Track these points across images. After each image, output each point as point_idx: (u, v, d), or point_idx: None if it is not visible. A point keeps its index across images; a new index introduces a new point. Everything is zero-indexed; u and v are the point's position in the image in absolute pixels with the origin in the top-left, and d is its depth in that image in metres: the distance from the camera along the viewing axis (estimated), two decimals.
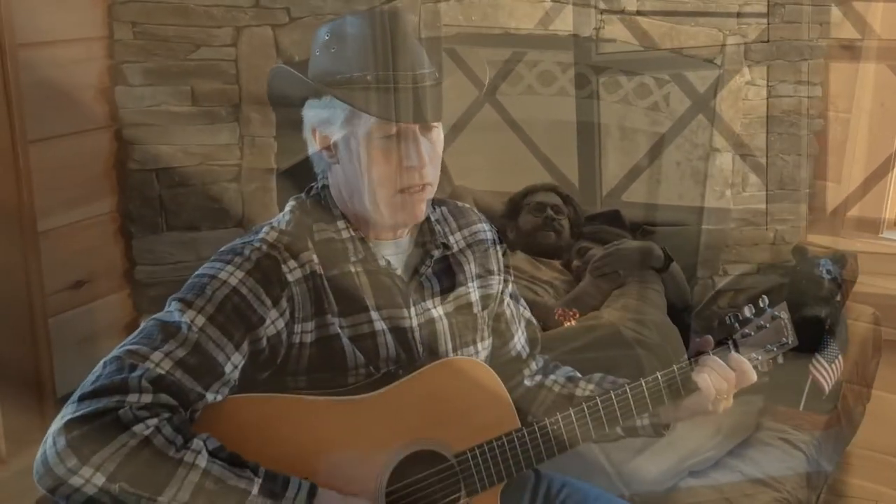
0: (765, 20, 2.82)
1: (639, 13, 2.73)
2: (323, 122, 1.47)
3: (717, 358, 1.57)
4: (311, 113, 1.49)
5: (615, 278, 2.82)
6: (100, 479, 1.20)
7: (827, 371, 2.77)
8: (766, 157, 2.94)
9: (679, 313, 2.90)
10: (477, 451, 1.48)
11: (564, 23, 2.69)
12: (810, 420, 2.82)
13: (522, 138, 3.44)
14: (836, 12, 2.85)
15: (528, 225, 3.09)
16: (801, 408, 2.80)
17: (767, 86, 2.88)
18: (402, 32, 1.42)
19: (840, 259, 2.82)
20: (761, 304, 1.65)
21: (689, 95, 3.04)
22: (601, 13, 2.70)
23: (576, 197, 3.25)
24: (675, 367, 1.58)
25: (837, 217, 2.97)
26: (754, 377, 1.59)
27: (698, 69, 2.92)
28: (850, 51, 2.85)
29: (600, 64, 3.12)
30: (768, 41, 2.84)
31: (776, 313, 1.65)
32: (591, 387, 1.67)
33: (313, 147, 1.51)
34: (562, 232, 3.08)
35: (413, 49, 1.43)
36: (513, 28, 2.65)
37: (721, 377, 1.55)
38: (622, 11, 2.71)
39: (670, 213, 3.25)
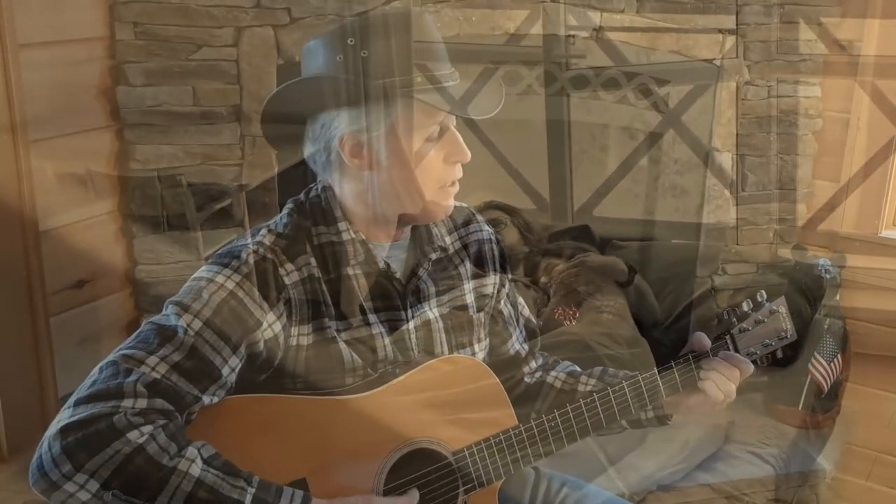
0: (764, 20, 2.82)
1: (638, 14, 2.73)
2: (358, 130, 1.43)
3: (720, 360, 1.57)
4: (342, 123, 1.43)
5: (576, 297, 2.84)
6: (94, 486, 1.20)
7: (826, 370, 2.77)
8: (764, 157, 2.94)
9: (648, 329, 2.92)
10: (474, 449, 1.48)
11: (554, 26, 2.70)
12: (809, 419, 2.83)
13: (493, 153, 3.43)
14: (835, 12, 2.85)
15: None
16: (800, 407, 2.81)
17: (766, 86, 2.88)
18: (431, 31, 1.44)
19: (839, 258, 2.82)
20: (759, 299, 1.64)
21: (689, 95, 3.04)
22: (601, 13, 2.70)
23: (546, 211, 3.30)
24: (673, 363, 1.58)
25: (835, 217, 2.97)
26: (752, 368, 1.59)
27: (697, 69, 2.92)
28: (849, 51, 2.86)
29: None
30: (767, 41, 2.84)
31: (774, 307, 1.64)
32: (592, 381, 1.67)
33: (331, 157, 1.47)
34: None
35: (442, 47, 1.45)
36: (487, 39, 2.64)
37: (727, 380, 1.56)
38: (622, 11, 2.72)
39: (642, 228, 3.28)
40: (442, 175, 1.47)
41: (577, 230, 3.30)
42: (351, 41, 1.40)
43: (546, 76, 2.71)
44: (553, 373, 1.72)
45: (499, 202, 3.26)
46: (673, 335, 2.96)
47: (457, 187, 1.51)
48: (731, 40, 2.81)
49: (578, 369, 1.74)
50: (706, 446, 2.70)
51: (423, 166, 1.44)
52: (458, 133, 1.47)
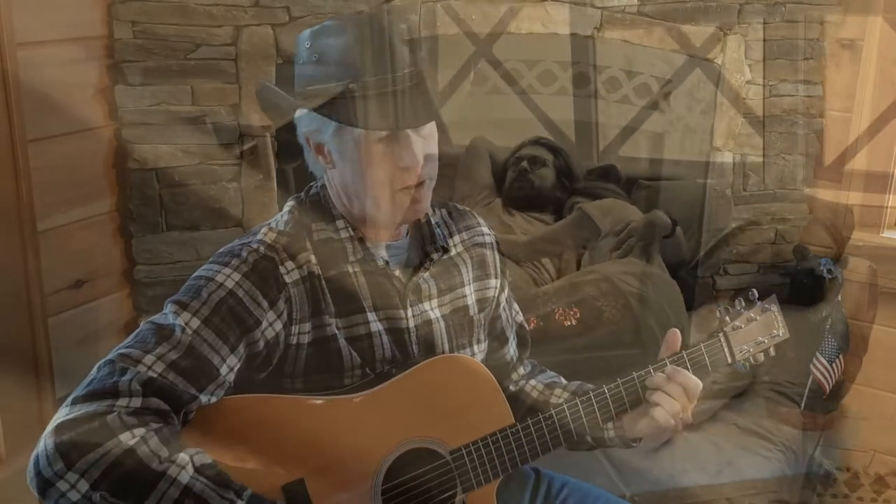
0: (765, 19, 2.82)
1: (639, 13, 2.72)
2: (314, 130, 1.47)
3: (663, 378, 1.51)
4: (303, 122, 1.48)
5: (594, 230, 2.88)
6: (84, 486, 1.20)
7: (828, 370, 2.76)
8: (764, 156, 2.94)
9: (677, 269, 2.92)
10: (472, 448, 1.48)
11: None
12: (810, 420, 2.82)
13: (519, 93, 3.42)
14: (836, 11, 2.84)
15: (508, 179, 3.19)
16: (801, 408, 2.80)
17: (769, 85, 2.88)
18: (381, 36, 1.42)
19: (841, 259, 2.82)
20: (751, 297, 1.63)
21: (690, 94, 3.03)
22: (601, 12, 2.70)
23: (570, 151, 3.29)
24: (634, 374, 1.54)
25: (838, 215, 2.96)
26: (699, 384, 1.52)
27: (699, 68, 2.92)
28: (851, 50, 2.85)
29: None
30: (769, 40, 2.84)
31: (767, 305, 1.64)
32: (565, 395, 1.66)
33: (308, 154, 1.51)
34: (535, 183, 3.13)
35: (393, 51, 1.42)
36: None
37: (673, 400, 1.50)
38: (622, 11, 2.71)
39: (668, 168, 3.23)
40: (392, 177, 1.43)
41: (603, 170, 3.30)
42: (307, 45, 1.44)
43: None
44: (533, 381, 1.73)
45: (546, 139, 3.27)
46: (700, 274, 2.97)
47: (427, 187, 1.47)
48: (732, 39, 2.81)
49: (560, 380, 1.73)
50: (733, 384, 2.72)
51: (373, 168, 1.42)
52: (410, 136, 1.43)
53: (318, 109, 1.41)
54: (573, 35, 2.72)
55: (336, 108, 1.40)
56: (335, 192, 1.51)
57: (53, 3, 2.21)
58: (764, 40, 2.83)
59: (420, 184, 1.46)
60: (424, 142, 1.45)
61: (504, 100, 3.37)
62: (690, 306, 2.85)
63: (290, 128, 1.52)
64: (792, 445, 2.62)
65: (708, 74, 2.89)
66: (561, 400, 1.64)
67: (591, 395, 1.54)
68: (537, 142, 3.24)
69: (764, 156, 2.94)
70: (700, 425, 2.65)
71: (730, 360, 1.60)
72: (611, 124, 3.42)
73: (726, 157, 2.92)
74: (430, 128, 1.47)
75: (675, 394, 1.50)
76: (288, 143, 1.55)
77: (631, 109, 3.30)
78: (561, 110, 3.43)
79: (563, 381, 1.73)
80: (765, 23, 2.82)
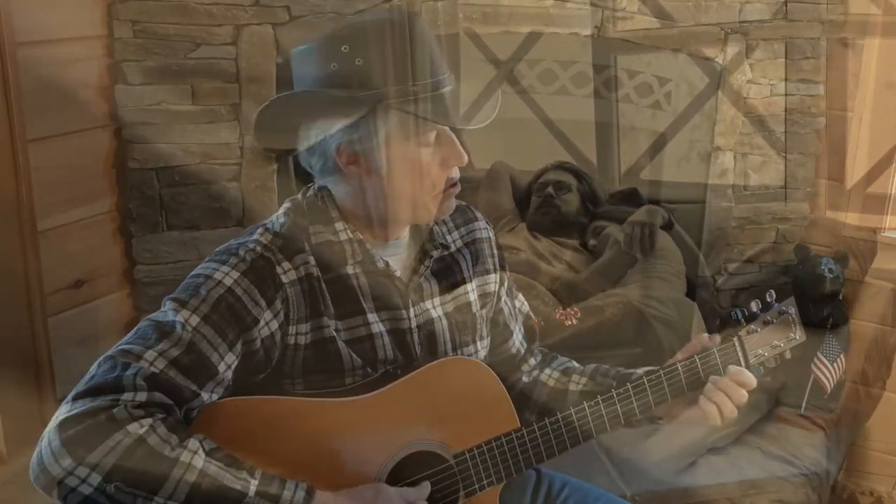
0: (766, 18, 2.81)
1: (640, 12, 2.72)
2: (354, 140, 1.42)
3: (728, 382, 1.52)
4: (338, 133, 1.42)
5: (646, 247, 2.89)
6: (95, 479, 1.20)
7: (829, 370, 2.76)
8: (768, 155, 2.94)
9: (694, 287, 2.94)
10: (476, 452, 1.48)
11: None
12: (811, 421, 2.82)
13: (541, 116, 3.45)
14: (837, 10, 2.84)
15: (533, 204, 3.19)
16: (802, 408, 2.79)
17: (769, 84, 2.87)
18: (426, 38, 1.42)
19: (842, 258, 2.81)
20: (768, 299, 1.60)
21: (691, 94, 3.03)
22: (602, 12, 2.69)
23: (594, 174, 3.30)
24: (679, 365, 1.54)
25: (838, 216, 2.96)
26: (755, 381, 1.54)
27: (700, 67, 2.91)
28: (852, 49, 2.84)
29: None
30: (770, 39, 2.83)
31: (784, 308, 1.60)
32: (584, 380, 1.66)
33: (329, 165, 1.47)
34: (562, 208, 3.13)
35: (439, 53, 1.44)
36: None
37: (731, 401, 1.51)
38: (623, 10, 2.70)
39: (690, 191, 3.22)
40: (437, 179, 1.47)
41: (625, 193, 3.31)
42: (345, 48, 1.39)
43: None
44: (548, 370, 1.72)
45: (570, 164, 3.28)
46: (721, 297, 2.98)
47: (457, 188, 1.51)
48: (732, 38, 2.80)
49: (574, 365, 1.72)
50: (758, 408, 2.71)
51: (419, 172, 1.44)
52: (453, 136, 1.46)
53: (409, 111, 1.39)
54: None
55: (407, 108, 1.39)
56: (345, 197, 1.49)
57: (53, 2, 2.20)
58: (764, 39, 2.83)
59: (454, 184, 1.49)
60: None
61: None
62: (711, 329, 2.86)
63: (287, 136, 1.49)
64: (816, 469, 2.60)
65: (709, 74, 2.89)
66: (580, 387, 1.64)
67: (600, 400, 1.52)
68: (560, 166, 3.25)
69: (764, 155, 2.94)
70: (724, 448, 2.64)
71: (743, 364, 1.56)
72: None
73: (727, 157, 2.92)
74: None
75: (737, 396, 1.51)
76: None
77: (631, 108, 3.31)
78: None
79: (577, 365, 1.72)
80: (766, 21, 2.81)
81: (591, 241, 3.10)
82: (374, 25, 1.40)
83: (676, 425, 1.62)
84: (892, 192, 2.86)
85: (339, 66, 1.39)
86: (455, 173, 1.49)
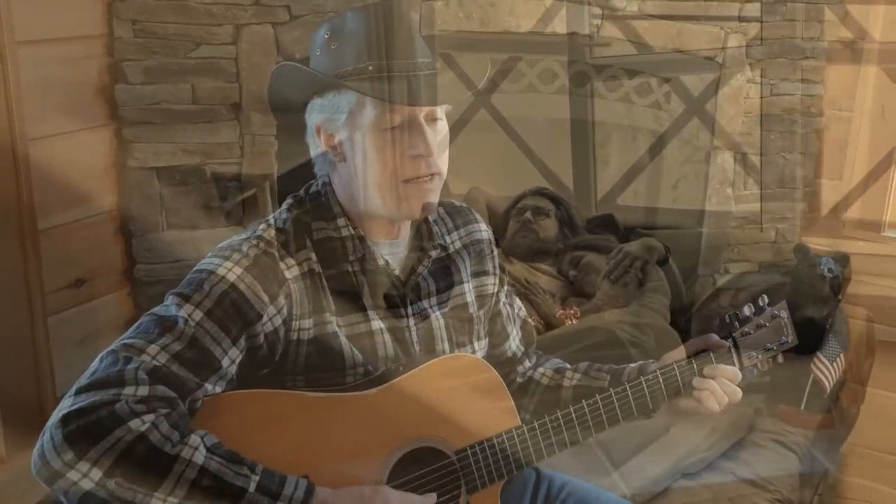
0: (766, 18, 2.82)
1: (640, 12, 2.72)
2: (327, 120, 1.47)
3: (724, 367, 1.57)
4: (315, 112, 1.49)
5: (631, 281, 2.84)
6: (96, 474, 1.20)
7: (828, 370, 2.76)
8: (761, 155, 2.94)
9: (676, 316, 2.92)
10: (477, 449, 1.48)
11: (562, 23, 2.69)
12: (810, 419, 2.81)
13: (518, 142, 3.48)
14: (836, 11, 2.85)
15: (511, 229, 3.16)
16: (802, 407, 2.79)
17: (769, 84, 2.88)
18: (399, 23, 1.43)
19: (841, 258, 2.81)
20: (761, 303, 1.64)
21: (690, 94, 3.04)
22: (602, 12, 2.69)
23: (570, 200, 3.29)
24: (675, 365, 1.58)
25: (838, 216, 2.96)
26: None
27: (699, 68, 2.92)
28: (851, 49, 2.85)
29: (599, 63, 3.14)
30: (769, 39, 2.84)
31: (776, 312, 1.65)
32: (577, 376, 1.68)
33: (317, 148, 1.51)
34: (539, 233, 3.11)
35: (411, 38, 1.44)
36: (512, 27, 2.64)
37: (725, 393, 1.56)
38: (623, 10, 2.71)
39: (667, 217, 3.26)
40: (400, 167, 1.44)
41: (601, 219, 3.31)
42: (326, 35, 1.46)
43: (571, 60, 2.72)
44: (541, 369, 1.73)
45: (549, 190, 3.28)
46: (696, 324, 2.98)
47: (436, 182, 1.48)
48: (732, 38, 2.81)
49: (566, 365, 1.74)
50: (732, 434, 2.70)
51: (379, 158, 1.43)
52: (426, 126, 1.44)
53: (344, 84, 1.42)
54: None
55: (358, 85, 1.41)
56: (341, 189, 1.51)
57: (54, 1, 2.20)
58: (765, 39, 2.84)
59: (430, 177, 1.46)
60: (436, 135, 1.46)
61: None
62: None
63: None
64: (790, 495, 2.60)
65: (709, 74, 2.90)
66: (573, 382, 1.66)
67: (598, 399, 1.54)
68: (539, 192, 3.24)
69: (764, 155, 2.94)
70: (697, 474, 2.62)
71: (737, 365, 1.60)
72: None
73: (727, 156, 2.92)
74: (443, 125, 1.48)
75: (733, 378, 1.56)
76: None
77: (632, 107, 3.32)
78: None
79: (569, 365, 1.73)
80: (766, 22, 2.82)
81: (572, 272, 3.07)
82: (353, 14, 1.45)
83: (668, 428, 1.64)
84: (892, 192, 2.86)
85: (320, 52, 1.47)
86: (431, 167, 1.46)
